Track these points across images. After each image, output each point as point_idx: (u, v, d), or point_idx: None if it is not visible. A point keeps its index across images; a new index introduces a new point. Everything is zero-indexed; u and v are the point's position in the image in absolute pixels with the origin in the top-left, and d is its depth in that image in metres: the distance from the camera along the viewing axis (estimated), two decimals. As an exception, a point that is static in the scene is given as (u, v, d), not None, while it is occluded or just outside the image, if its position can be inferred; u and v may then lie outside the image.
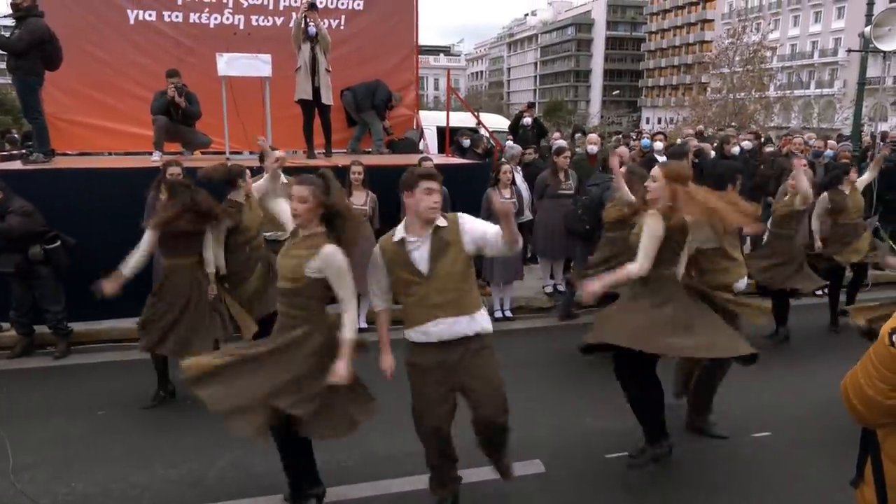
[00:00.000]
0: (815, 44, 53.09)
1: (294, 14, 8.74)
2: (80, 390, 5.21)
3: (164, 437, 4.39)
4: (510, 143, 10.08)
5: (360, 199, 6.32)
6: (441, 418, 3.27)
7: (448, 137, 9.61)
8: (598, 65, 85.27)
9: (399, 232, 3.18)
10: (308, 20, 7.44)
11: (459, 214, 3.22)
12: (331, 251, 3.07)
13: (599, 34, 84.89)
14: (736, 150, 8.68)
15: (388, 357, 3.31)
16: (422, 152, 9.17)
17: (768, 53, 36.58)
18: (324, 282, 3.12)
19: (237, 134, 7.72)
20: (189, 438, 4.37)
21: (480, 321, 3.21)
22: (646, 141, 9.76)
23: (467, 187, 6.85)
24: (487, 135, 9.73)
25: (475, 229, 3.17)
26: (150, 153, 7.43)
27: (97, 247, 5.87)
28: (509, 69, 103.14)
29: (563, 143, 9.49)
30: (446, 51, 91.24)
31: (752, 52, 33.41)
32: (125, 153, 8.54)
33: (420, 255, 3.11)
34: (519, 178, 7.61)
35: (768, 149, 9.89)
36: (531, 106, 10.69)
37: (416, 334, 3.19)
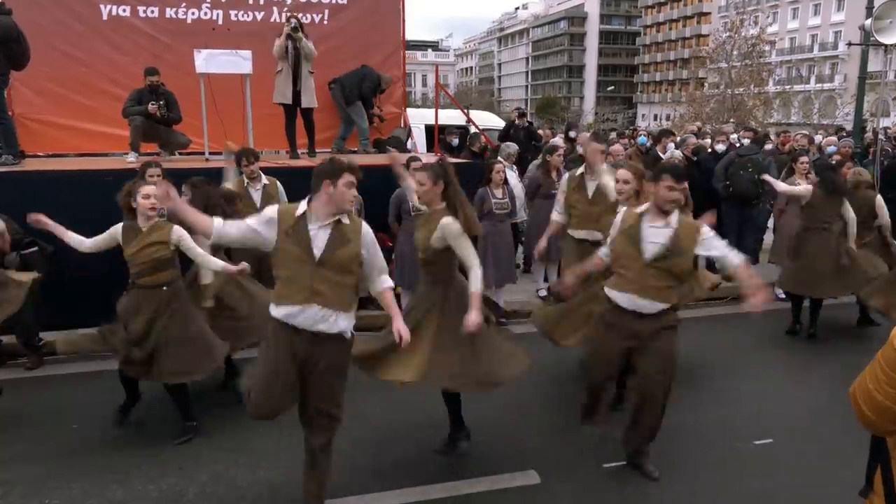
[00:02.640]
0: (815, 37, 53.61)
1: (275, 9, 8.75)
2: (53, 403, 5.17)
3: (143, 451, 4.36)
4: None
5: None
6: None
7: (437, 136, 9.63)
8: (591, 60, 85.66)
9: (302, 207, 3.31)
10: (293, 40, 7.51)
11: (363, 222, 3.44)
12: (447, 221, 3.72)
13: (593, 28, 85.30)
14: (721, 147, 8.69)
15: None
16: (410, 151, 9.18)
17: (767, 47, 36.89)
18: (448, 249, 3.74)
19: (217, 134, 7.68)
20: (168, 452, 4.34)
21: (342, 323, 3.35)
22: (643, 139, 9.81)
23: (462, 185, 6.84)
24: (478, 133, 9.75)
25: (372, 245, 3.42)
26: (126, 154, 7.39)
27: (69, 253, 5.84)
28: (500, 65, 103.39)
29: (558, 140, 9.53)
30: (434, 46, 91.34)
31: (750, 46, 33.63)
32: (99, 154, 8.48)
33: (318, 239, 3.26)
34: (513, 178, 7.63)
35: (767, 146, 9.98)
36: (522, 115, 10.66)
37: (280, 311, 3.31)
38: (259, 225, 3.28)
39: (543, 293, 7.69)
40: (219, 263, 4.55)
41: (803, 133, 10.68)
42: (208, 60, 7.28)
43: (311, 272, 3.23)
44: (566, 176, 5.75)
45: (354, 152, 8.69)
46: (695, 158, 8.34)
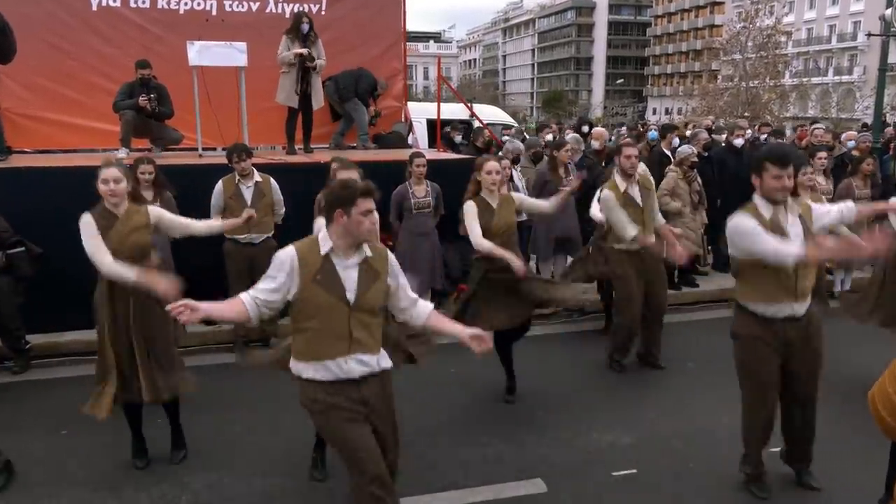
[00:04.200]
0: (833, 28, 53.49)
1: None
2: (40, 408, 5.18)
3: (133, 459, 4.35)
4: (507, 137, 10.11)
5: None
6: None
7: (439, 130, 9.63)
8: (600, 51, 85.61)
9: (326, 244, 2.99)
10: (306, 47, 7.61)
11: (386, 250, 3.22)
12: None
13: (601, 18, 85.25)
14: (739, 141, 8.74)
15: None
16: (411, 147, 9.19)
17: (783, 38, 36.84)
18: None
19: (210, 129, 7.70)
20: (161, 459, 4.34)
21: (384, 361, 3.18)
22: (653, 133, 9.79)
23: (461, 184, 6.84)
24: (482, 127, 9.75)
25: (399, 273, 3.18)
26: (116, 150, 7.40)
27: (57, 253, 5.86)
28: (504, 57, 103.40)
29: (574, 136, 9.51)
30: (436, 37, 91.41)
31: (765, 37, 33.61)
32: (88, 150, 8.50)
33: (348, 280, 2.99)
34: (517, 176, 7.63)
35: (781, 141, 9.96)
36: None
37: (316, 370, 3.04)
38: (279, 284, 2.95)
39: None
40: (210, 223, 4.53)
41: (821, 127, 10.64)
42: (201, 53, 7.28)
43: (348, 318, 2.97)
44: (605, 194, 5.67)
45: (353, 148, 8.71)
46: (706, 154, 8.32)
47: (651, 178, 5.86)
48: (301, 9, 8.32)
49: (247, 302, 2.97)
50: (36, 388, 5.59)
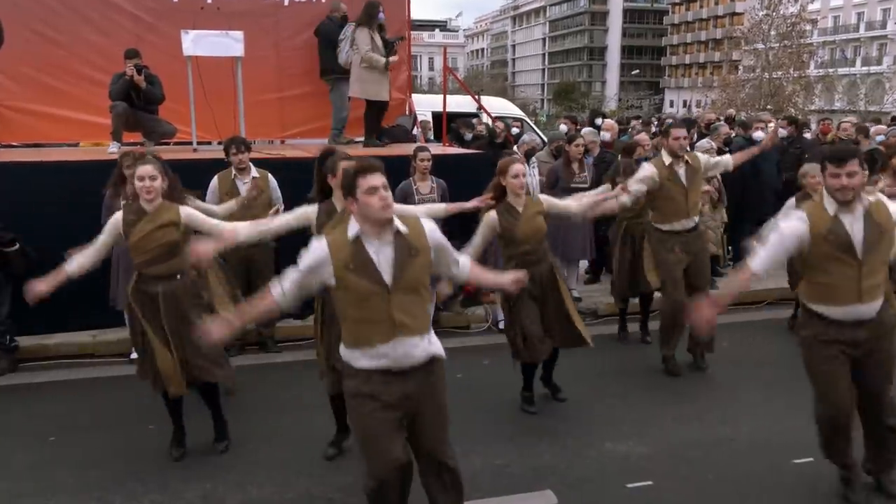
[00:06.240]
0: (861, 15, 53.26)
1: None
2: (27, 413, 5.20)
3: (124, 467, 4.37)
4: (515, 130, 10.11)
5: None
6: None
7: (445, 124, 9.63)
8: (614, 40, 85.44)
9: (353, 228, 3.04)
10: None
11: (423, 221, 3.19)
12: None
13: (616, 5, 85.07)
14: (759, 134, 8.68)
15: None
16: (415, 140, 9.19)
17: (808, 27, 36.73)
18: None
19: (205, 122, 7.72)
20: (152, 468, 4.36)
21: (434, 346, 3.20)
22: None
23: (470, 180, 6.83)
24: (490, 120, 9.75)
25: (440, 243, 3.20)
26: (108, 144, 7.43)
27: (47, 251, 5.88)
28: (514, 46, 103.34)
29: (590, 129, 9.49)
30: (442, 26, 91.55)
31: (789, 26, 33.52)
32: (79, 145, 8.54)
33: (382, 262, 3.01)
34: (529, 171, 7.62)
35: (806, 135, 9.91)
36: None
37: (363, 358, 3.08)
38: (311, 272, 3.02)
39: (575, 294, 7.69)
40: (238, 225, 4.39)
41: (849, 120, 10.59)
42: (196, 42, 7.30)
43: (387, 302, 2.99)
44: (645, 166, 5.73)
45: (354, 142, 8.70)
46: (727, 149, 8.30)
47: (700, 158, 5.88)
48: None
49: (275, 294, 3.07)
50: (22, 392, 5.61)
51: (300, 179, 5.47)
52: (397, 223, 3.03)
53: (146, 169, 4.18)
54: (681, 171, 5.66)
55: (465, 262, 3.35)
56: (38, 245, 5.90)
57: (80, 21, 8.22)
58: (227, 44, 7.39)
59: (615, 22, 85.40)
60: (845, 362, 3.70)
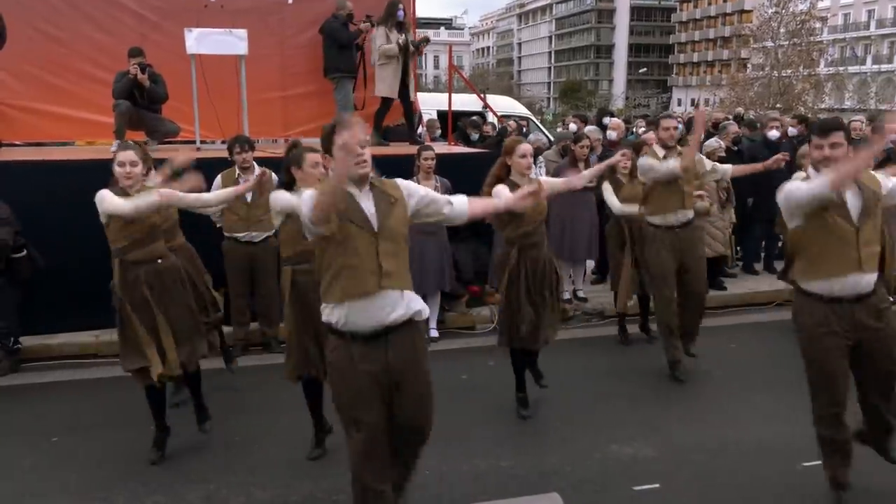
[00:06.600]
0: (872, 13, 53.05)
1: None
2: (30, 414, 5.22)
3: (128, 468, 4.39)
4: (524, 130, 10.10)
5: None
6: None
7: (450, 122, 9.63)
8: (621, 38, 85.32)
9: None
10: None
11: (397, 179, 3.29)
12: None
13: (623, 3, 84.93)
14: (773, 133, 8.68)
15: None
16: (420, 140, 9.19)
17: (818, 24, 36.60)
18: None
19: (209, 120, 7.74)
20: (155, 469, 4.37)
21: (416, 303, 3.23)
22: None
23: (473, 179, 6.83)
24: (496, 120, 9.75)
25: (419, 191, 3.28)
26: (111, 143, 7.44)
27: (49, 250, 5.92)
28: (520, 44, 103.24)
29: (593, 128, 9.48)
30: (448, 24, 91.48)
31: (799, 23, 33.42)
32: (80, 143, 8.56)
33: (366, 207, 3.09)
34: (535, 170, 7.62)
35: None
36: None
37: (347, 314, 3.09)
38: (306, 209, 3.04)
39: (567, 296, 7.68)
40: (220, 193, 4.82)
41: (858, 119, 10.55)
42: (200, 40, 7.31)
43: (375, 247, 3.03)
44: (642, 159, 5.74)
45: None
46: (735, 148, 8.28)
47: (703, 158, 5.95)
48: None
49: (304, 203, 3.04)
50: (25, 392, 5.64)
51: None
52: (372, 176, 3.13)
53: (127, 155, 4.21)
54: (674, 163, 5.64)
55: (460, 200, 3.34)
56: (41, 244, 5.93)
57: (84, 19, 8.24)
58: (230, 42, 7.40)
59: (622, 19, 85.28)
60: (846, 354, 3.67)
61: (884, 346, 3.67)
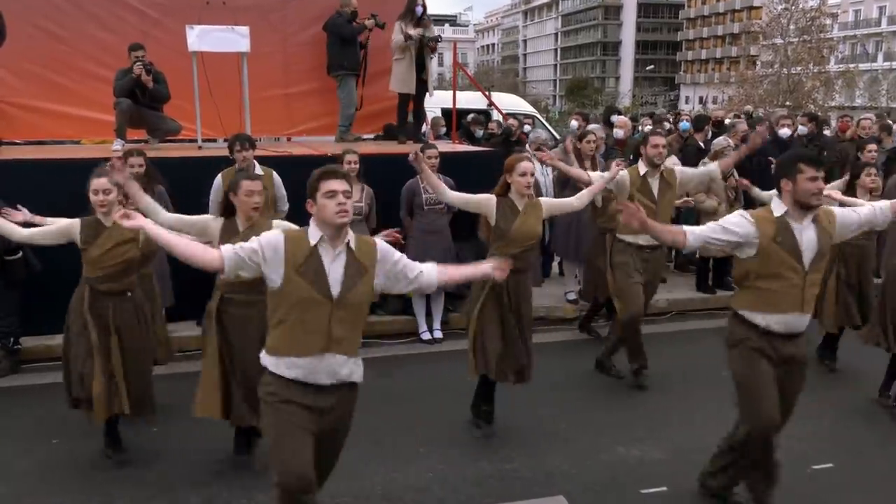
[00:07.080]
0: (883, 9, 52.84)
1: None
2: (30, 415, 5.22)
3: (128, 471, 4.39)
4: (528, 128, 10.08)
5: (354, 195, 6.32)
6: None
7: (455, 121, 9.61)
8: (628, 35, 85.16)
9: (315, 236, 3.04)
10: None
11: (376, 240, 3.23)
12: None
13: None
14: (784, 131, 8.66)
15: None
16: (424, 138, 9.18)
17: (828, 21, 36.51)
18: None
19: (210, 119, 7.74)
20: (156, 472, 4.38)
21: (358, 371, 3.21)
22: (685, 124, 9.72)
23: (477, 178, 6.83)
24: (502, 117, 9.74)
25: (392, 262, 3.19)
26: (112, 141, 7.46)
27: (49, 250, 5.89)
28: (525, 41, 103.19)
29: (597, 125, 9.46)
30: (452, 20, 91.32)
31: (809, 20, 33.33)
32: (82, 142, 8.57)
33: (333, 273, 3.02)
34: (539, 170, 7.61)
35: (825, 132, 9.84)
36: None
37: (287, 366, 3.06)
38: (265, 254, 2.98)
39: (572, 296, 7.67)
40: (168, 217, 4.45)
41: (868, 117, 10.51)
42: (202, 37, 7.31)
43: (329, 315, 3.01)
44: (621, 174, 5.51)
45: (362, 139, 8.70)
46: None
47: (677, 174, 5.76)
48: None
49: (225, 251, 3.00)
50: (25, 394, 5.64)
51: (307, 178, 5.46)
52: (350, 238, 3.07)
53: (100, 182, 4.18)
54: (654, 183, 5.57)
55: (429, 269, 3.27)
56: (39, 248, 5.93)
57: (85, 17, 8.25)
58: (232, 39, 7.40)
59: (629, 16, 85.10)
60: (774, 378, 3.70)
61: (799, 376, 3.80)
